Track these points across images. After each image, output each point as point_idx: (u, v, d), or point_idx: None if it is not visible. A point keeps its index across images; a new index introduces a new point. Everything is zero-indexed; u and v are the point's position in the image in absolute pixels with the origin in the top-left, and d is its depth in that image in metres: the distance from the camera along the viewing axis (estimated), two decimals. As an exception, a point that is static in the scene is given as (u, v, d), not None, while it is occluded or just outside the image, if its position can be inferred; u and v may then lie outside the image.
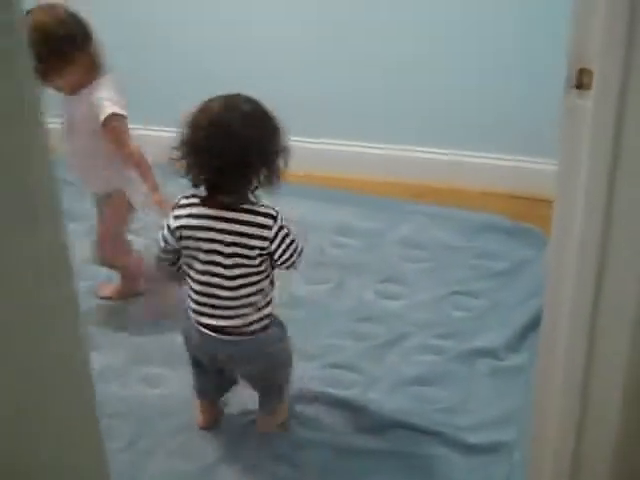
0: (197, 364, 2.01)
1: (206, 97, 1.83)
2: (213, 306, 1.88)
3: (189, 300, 1.92)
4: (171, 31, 3.15)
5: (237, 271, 1.84)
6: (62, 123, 2.33)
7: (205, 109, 1.79)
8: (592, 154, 1.16)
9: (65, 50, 2.19)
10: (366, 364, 2.27)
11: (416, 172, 3.10)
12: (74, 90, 2.28)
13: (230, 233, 1.82)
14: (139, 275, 2.51)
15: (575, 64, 1.14)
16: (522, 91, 2.86)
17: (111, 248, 2.44)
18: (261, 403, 2.05)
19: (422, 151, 3.13)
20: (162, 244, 1.91)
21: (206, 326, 1.89)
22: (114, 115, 2.25)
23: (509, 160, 3.00)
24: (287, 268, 1.92)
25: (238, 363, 1.96)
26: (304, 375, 2.19)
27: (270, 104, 1.84)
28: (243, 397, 2.12)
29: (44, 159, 0.83)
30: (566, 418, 1.32)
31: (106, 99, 2.25)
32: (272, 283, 1.93)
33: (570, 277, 1.22)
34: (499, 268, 2.63)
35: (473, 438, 2.03)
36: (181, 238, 1.86)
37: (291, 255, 1.87)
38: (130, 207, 2.41)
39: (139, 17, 3.15)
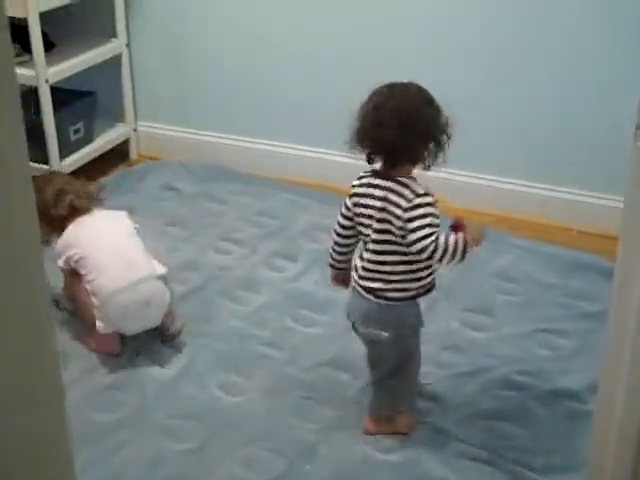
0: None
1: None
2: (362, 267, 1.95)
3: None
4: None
5: (382, 237, 1.90)
6: None
7: (372, 95, 1.91)
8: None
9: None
10: (443, 392, 2.25)
11: (514, 205, 3.07)
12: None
13: (380, 199, 1.88)
14: None
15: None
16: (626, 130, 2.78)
17: None
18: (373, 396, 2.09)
19: (521, 184, 3.09)
20: (340, 220, 2.01)
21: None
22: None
23: (609, 199, 2.92)
24: (418, 253, 1.86)
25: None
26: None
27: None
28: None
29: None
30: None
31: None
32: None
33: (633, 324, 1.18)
34: (592, 310, 2.56)
35: (544, 480, 1.97)
36: (354, 206, 1.96)
37: (422, 238, 1.84)
38: None
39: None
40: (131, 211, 3.05)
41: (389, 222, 1.89)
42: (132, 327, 2.35)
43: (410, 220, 1.85)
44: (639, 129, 1.12)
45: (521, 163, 3.07)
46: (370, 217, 1.92)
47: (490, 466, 2.02)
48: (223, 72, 3.38)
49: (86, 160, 3.34)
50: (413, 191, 1.87)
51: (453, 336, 2.46)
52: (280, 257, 2.84)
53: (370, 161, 1.94)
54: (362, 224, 1.95)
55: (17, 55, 3.15)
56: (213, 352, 2.40)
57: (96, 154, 3.40)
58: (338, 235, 2.05)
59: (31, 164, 3.21)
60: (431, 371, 2.32)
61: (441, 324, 2.50)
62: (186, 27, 3.36)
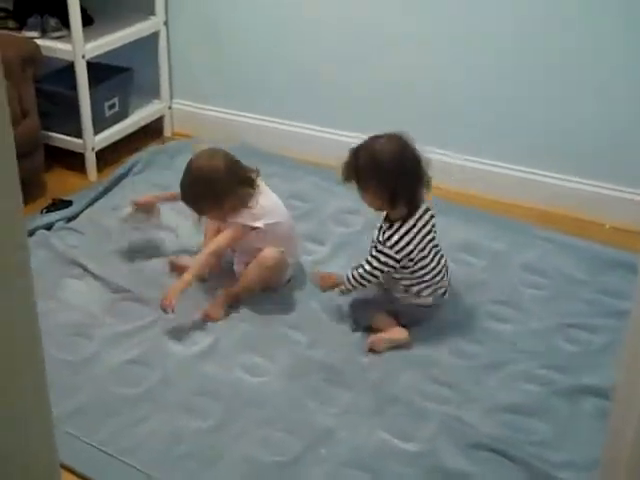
0: None
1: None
2: None
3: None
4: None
5: None
6: None
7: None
8: None
9: (217, 195, 2.42)
10: (465, 383, 2.23)
11: (547, 198, 3.03)
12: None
13: None
14: None
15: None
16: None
17: None
18: None
19: (555, 177, 3.04)
20: (386, 269, 2.32)
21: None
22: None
23: (633, 193, 2.88)
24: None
25: None
26: (403, 382, 2.21)
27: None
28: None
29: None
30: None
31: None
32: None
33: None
34: (621, 307, 2.50)
35: (563, 476, 1.95)
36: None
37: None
38: None
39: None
40: (165, 189, 3.07)
41: None
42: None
43: None
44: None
45: (556, 156, 3.03)
46: None
47: (508, 459, 2.00)
48: (259, 52, 3.37)
49: (120, 136, 3.36)
50: None
51: (478, 328, 2.44)
52: (309, 240, 2.83)
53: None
54: None
55: (55, 30, 3.17)
56: (238, 332, 2.40)
57: (130, 130, 3.41)
58: None
59: (65, 137, 3.27)
60: (454, 362, 2.31)
61: (465, 315, 2.48)
62: (223, 6, 3.35)
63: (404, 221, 2.30)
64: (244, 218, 2.47)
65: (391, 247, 2.29)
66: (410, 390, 2.20)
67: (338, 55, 3.23)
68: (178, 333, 2.39)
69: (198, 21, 3.44)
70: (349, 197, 3.03)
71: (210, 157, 2.46)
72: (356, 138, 3.20)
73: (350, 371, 2.26)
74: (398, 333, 2.37)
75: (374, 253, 2.33)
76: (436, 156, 3.12)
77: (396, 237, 2.29)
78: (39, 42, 3.07)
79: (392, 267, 2.31)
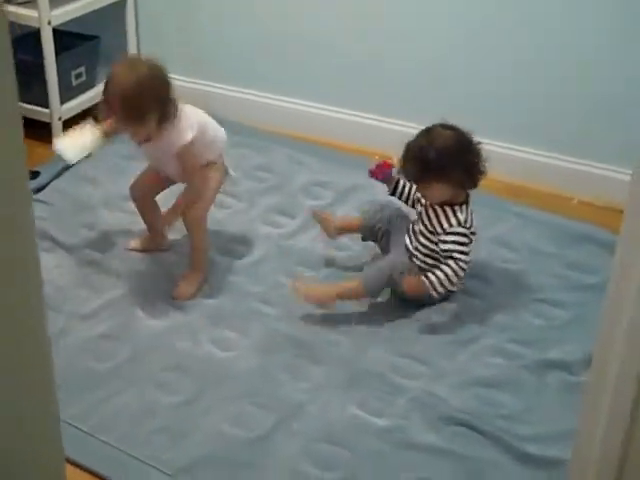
0: None
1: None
2: None
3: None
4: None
5: None
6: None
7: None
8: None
9: (140, 109, 2.22)
10: (435, 357, 2.25)
11: (516, 171, 3.04)
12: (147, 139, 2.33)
13: None
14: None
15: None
16: (625, 100, 2.78)
17: None
18: None
19: (524, 151, 3.06)
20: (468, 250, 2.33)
21: None
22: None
23: (617, 172, 2.90)
24: None
25: None
26: (374, 357, 2.22)
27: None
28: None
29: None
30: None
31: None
32: None
33: (630, 301, 1.17)
34: (590, 281, 2.54)
35: (531, 449, 1.99)
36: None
37: None
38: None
39: None
40: (131, 158, 3.04)
41: None
42: None
43: None
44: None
45: (525, 129, 3.04)
46: None
47: (477, 433, 2.03)
48: (228, 21, 3.33)
49: (87, 105, 3.30)
50: None
51: (448, 302, 2.45)
52: (278, 213, 2.82)
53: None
54: None
55: (20, -5, 3.10)
56: (208, 307, 2.40)
57: (98, 99, 3.34)
58: None
59: (31, 107, 3.20)
60: (425, 337, 2.32)
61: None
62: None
63: (466, 201, 2.36)
64: (177, 133, 2.30)
65: (469, 227, 2.33)
66: (381, 365, 2.21)
67: (309, 20, 3.20)
68: (148, 307, 2.38)
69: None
70: (319, 169, 3.05)
71: (132, 67, 2.29)
72: (328, 110, 3.25)
73: (321, 346, 2.27)
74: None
75: (451, 245, 2.30)
76: (405, 129, 3.15)
77: (465, 215, 2.33)
78: (3, 8, 2.99)
79: (468, 247, 2.33)
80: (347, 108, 3.26)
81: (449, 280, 2.30)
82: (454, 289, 2.37)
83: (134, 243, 2.62)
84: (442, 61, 3.06)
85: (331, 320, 2.35)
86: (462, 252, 2.31)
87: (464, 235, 2.32)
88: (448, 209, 2.34)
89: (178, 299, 2.42)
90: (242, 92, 3.41)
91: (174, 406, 2.07)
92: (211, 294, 2.45)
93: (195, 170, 2.39)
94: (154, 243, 2.61)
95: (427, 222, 2.37)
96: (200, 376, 2.16)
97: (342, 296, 2.34)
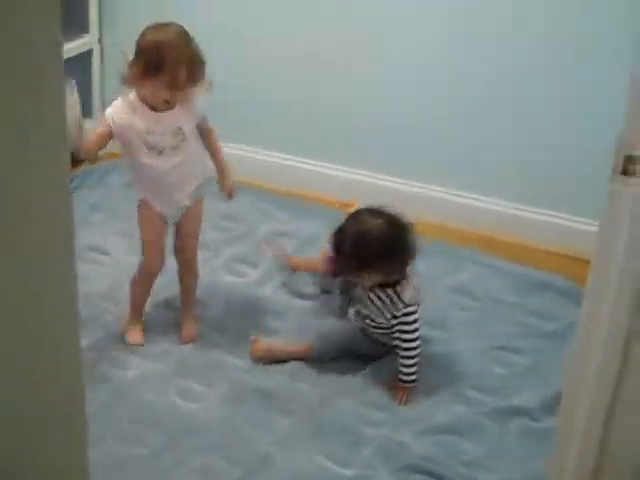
0: None
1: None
2: None
3: None
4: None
5: None
6: (152, 145, 2.30)
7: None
8: (630, 238, 1.17)
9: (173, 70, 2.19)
10: (398, 406, 2.29)
11: (476, 221, 3.10)
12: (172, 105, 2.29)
13: None
14: None
15: (623, 150, 1.15)
16: (590, 151, 2.86)
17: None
18: None
19: (484, 201, 3.12)
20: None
21: None
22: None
23: (573, 220, 2.99)
24: None
25: None
26: (339, 407, 2.25)
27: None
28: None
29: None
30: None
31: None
32: None
33: (599, 345, 1.23)
34: (548, 328, 2.61)
35: (493, 497, 2.02)
36: None
37: None
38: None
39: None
40: (95, 208, 3.06)
41: None
42: None
43: None
44: (615, 171, 1.16)
45: (490, 179, 3.10)
46: None
47: (441, 480, 2.06)
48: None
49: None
50: None
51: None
52: (241, 262, 2.85)
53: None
54: None
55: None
56: (173, 357, 2.41)
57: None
58: None
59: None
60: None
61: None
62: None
63: (403, 276, 2.32)
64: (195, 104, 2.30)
65: (414, 303, 2.32)
66: (346, 414, 2.24)
67: (274, 74, 3.26)
68: (114, 358, 2.39)
69: (133, 39, 3.41)
70: (283, 219, 3.10)
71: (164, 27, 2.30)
72: (290, 160, 3.29)
73: (287, 396, 2.29)
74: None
75: (402, 326, 2.31)
76: (371, 179, 3.21)
77: (408, 292, 2.31)
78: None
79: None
80: (310, 158, 3.31)
81: (414, 361, 2.31)
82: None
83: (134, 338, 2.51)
84: (407, 113, 3.12)
85: (296, 371, 2.38)
86: (415, 329, 2.33)
87: (412, 313, 2.33)
88: (391, 292, 2.31)
89: (188, 342, 2.47)
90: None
91: (140, 459, 2.07)
92: (176, 344, 2.46)
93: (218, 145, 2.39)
94: None
95: (372, 306, 2.35)
96: (166, 428, 2.16)
97: (294, 357, 2.40)
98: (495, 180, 3.09)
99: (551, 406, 2.27)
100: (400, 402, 2.29)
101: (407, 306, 2.31)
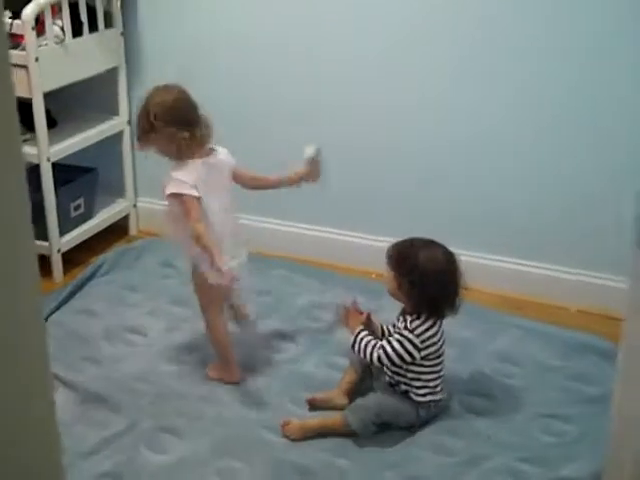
0: None
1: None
2: None
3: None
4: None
5: None
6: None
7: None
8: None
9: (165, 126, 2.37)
10: (445, 480, 2.22)
11: (514, 285, 3.07)
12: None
13: None
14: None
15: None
16: (625, 211, 2.81)
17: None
18: None
19: (520, 264, 3.10)
20: (407, 358, 2.32)
21: None
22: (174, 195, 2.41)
23: (610, 280, 2.94)
24: None
25: None
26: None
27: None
28: None
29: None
30: None
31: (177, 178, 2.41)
32: None
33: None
34: (593, 393, 2.53)
35: None
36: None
37: None
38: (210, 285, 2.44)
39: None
40: (131, 288, 3.06)
41: None
42: None
43: None
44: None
45: (523, 243, 3.08)
46: None
47: None
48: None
49: (86, 236, 3.35)
50: None
51: (452, 420, 2.44)
52: (279, 338, 2.82)
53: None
54: None
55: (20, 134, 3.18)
56: (213, 436, 2.37)
57: (96, 230, 3.41)
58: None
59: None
60: (429, 457, 2.29)
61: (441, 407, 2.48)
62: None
63: (431, 316, 2.32)
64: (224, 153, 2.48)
65: (418, 336, 2.31)
66: (390, 491, 2.18)
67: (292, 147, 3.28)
68: (151, 441, 2.35)
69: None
70: (318, 290, 3.07)
71: (166, 88, 2.44)
72: (324, 232, 3.29)
73: (329, 473, 2.23)
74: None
75: (397, 337, 2.33)
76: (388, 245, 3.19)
77: (422, 328, 2.32)
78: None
79: (410, 356, 2.32)
80: (341, 229, 3.30)
81: (367, 350, 2.33)
82: (367, 359, 2.36)
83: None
84: (435, 178, 3.12)
85: (338, 446, 2.33)
86: (398, 349, 2.31)
87: (408, 339, 2.31)
88: (408, 317, 2.34)
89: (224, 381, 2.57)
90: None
91: None
92: (216, 422, 2.42)
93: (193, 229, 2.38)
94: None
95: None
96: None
97: (326, 433, 2.36)
98: (527, 242, 3.07)
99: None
100: None
101: (406, 329, 2.32)
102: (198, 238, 2.31)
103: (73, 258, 3.30)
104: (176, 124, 2.38)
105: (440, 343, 2.36)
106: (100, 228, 3.42)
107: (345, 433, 2.35)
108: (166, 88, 2.44)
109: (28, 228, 0.88)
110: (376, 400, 2.38)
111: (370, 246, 3.23)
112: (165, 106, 2.38)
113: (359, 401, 2.40)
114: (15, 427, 0.91)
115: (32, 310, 0.94)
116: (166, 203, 2.48)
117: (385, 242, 3.15)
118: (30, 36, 2.91)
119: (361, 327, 2.39)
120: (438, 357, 2.37)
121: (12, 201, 0.84)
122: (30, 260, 0.90)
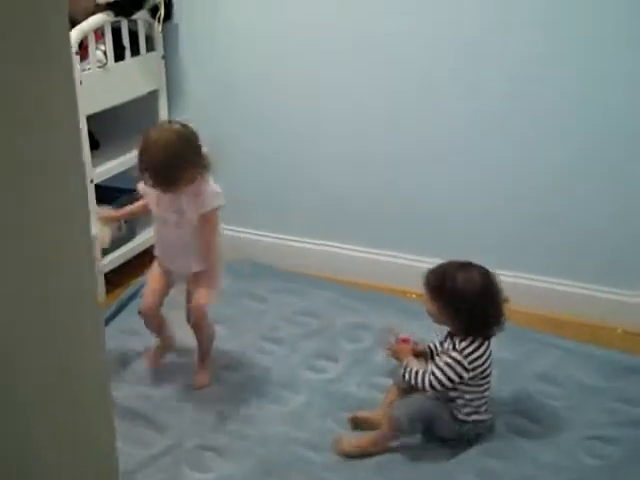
0: None
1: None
2: None
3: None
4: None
5: None
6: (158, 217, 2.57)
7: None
8: None
9: (176, 167, 2.40)
10: None
11: (557, 305, 3.04)
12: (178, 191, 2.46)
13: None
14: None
15: None
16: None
17: None
18: None
19: (564, 284, 3.07)
20: (456, 379, 2.32)
21: None
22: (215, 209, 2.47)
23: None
24: None
25: None
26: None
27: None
28: None
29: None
30: None
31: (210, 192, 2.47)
32: None
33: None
34: (639, 415, 2.50)
35: None
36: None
37: None
38: None
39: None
40: (172, 307, 3.07)
41: None
42: None
43: None
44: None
45: (564, 262, 3.06)
46: None
47: None
48: (263, 170, 3.43)
49: (127, 257, 3.37)
50: None
51: (497, 442, 2.41)
52: (321, 357, 2.82)
53: None
54: None
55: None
56: (254, 455, 2.37)
57: (137, 251, 3.43)
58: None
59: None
60: None
61: (487, 429, 2.45)
62: (228, 131, 3.42)
63: (479, 336, 2.33)
64: (212, 192, 2.46)
65: (466, 357, 2.31)
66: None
67: (342, 166, 3.30)
68: (194, 459, 2.35)
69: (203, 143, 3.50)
70: (359, 312, 3.07)
71: (167, 127, 2.51)
72: (367, 253, 3.29)
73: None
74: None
75: (446, 359, 2.32)
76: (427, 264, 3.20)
77: (470, 349, 2.32)
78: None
79: (460, 377, 2.31)
80: (381, 249, 3.30)
81: (419, 379, 2.33)
82: (419, 387, 2.35)
83: (149, 363, 2.74)
84: (475, 199, 3.11)
85: (378, 465, 2.31)
86: (444, 372, 2.31)
87: (457, 361, 2.31)
88: (456, 339, 2.34)
89: (199, 389, 2.63)
90: (278, 238, 3.48)
91: None
92: (259, 441, 2.42)
93: (213, 245, 2.46)
94: (166, 347, 2.75)
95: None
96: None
97: (375, 447, 2.36)
98: (566, 261, 3.05)
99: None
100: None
101: (454, 350, 2.32)
102: (216, 253, 2.44)
103: (115, 279, 3.33)
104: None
105: (487, 364, 2.35)
106: (141, 249, 3.45)
107: (392, 436, 2.34)
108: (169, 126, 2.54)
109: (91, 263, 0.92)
110: (420, 398, 2.37)
111: (409, 266, 3.22)
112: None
113: (403, 399, 2.40)
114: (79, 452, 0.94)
115: (95, 336, 0.97)
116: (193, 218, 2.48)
117: (424, 262, 3.19)
118: (74, 61, 2.96)
119: (410, 357, 2.39)
120: (484, 378, 2.35)
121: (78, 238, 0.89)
122: (92, 291, 0.93)
